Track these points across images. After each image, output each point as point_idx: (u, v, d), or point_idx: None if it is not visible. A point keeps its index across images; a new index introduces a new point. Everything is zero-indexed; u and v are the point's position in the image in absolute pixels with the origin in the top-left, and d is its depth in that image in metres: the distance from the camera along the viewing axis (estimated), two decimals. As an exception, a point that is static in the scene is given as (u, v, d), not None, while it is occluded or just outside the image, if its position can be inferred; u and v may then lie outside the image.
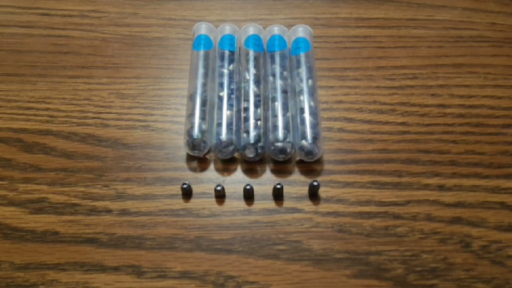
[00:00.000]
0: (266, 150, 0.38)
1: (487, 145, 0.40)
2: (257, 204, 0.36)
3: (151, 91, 0.44)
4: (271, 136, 0.38)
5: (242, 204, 0.36)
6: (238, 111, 0.40)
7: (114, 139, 0.40)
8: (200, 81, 0.41)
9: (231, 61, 0.43)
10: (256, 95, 0.40)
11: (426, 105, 0.42)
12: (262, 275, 0.32)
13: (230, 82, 0.41)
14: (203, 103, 0.39)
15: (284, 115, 0.39)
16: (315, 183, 0.35)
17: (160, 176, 0.38)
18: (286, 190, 0.37)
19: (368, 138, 0.40)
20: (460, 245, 0.34)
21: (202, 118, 0.38)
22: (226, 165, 0.38)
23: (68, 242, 0.34)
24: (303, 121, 0.38)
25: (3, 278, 0.32)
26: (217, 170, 0.38)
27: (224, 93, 0.40)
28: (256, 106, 0.39)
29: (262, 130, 0.38)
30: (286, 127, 0.38)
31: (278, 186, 0.35)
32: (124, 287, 0.32)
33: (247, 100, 0.40)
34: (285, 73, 0.42)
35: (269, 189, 0.37)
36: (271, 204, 0.36)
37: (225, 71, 0.42)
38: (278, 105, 0.39)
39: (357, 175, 0.38)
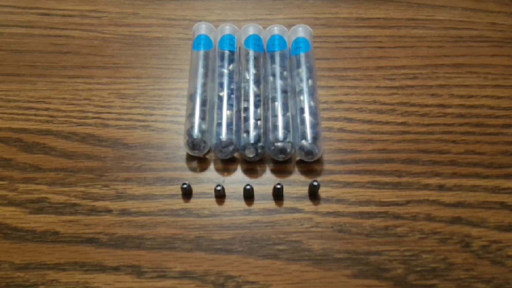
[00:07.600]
0: (266, 150, 0.38)
1: (487, 145, 0.40)
2: (257, 204, 0.36)
3: (151, 91, 0.44)
4: (271, 136, 0.38)
5: (242, 204, 0.36)
6: (238, 111, 0.40)
7: (114, 139, 0.40)
8: (200, 81, 0.41)
9: (231, 61, 0.43)
10: (256, 95, 0.40)
11: (426, 105, 0.42)
12: (262, 275, 0.32)
13: (230, 82, 0.41)
14: (203, 103, 0.39)
15: (284, 115, 0.39)
16: (315, 183, 0.35)
17: (160, 176, 0.38)
18: (286, 190, 0.37)
19: (368, 138, 0.40)
20: (460, 245, 0.34)
21: (202, 118, 0.38)
22: (226, 165, 0.38)
23: (68, 242, 0.34)
24: (303, 121, 0.38)
25: (3, 278, 0.32)
26: (217, 170, 0.38)
27: (224, 93, 0.40)
28: (256, 106, 0.39)
29: (262, 130, 0.38)
30: (286, 127, 0.38)
31: (278, 186, 0.35)
32: (124, 287, 0.32)
33: (247, 100, 0.40)
34: (285, 73, 0.42)
35: (269, 189, 0.37)
36: (271, 204, 0.36)
37: (225, 71, 0.42)
38: (278, 105, 0.39)
39: (357, 175, 0.38)
